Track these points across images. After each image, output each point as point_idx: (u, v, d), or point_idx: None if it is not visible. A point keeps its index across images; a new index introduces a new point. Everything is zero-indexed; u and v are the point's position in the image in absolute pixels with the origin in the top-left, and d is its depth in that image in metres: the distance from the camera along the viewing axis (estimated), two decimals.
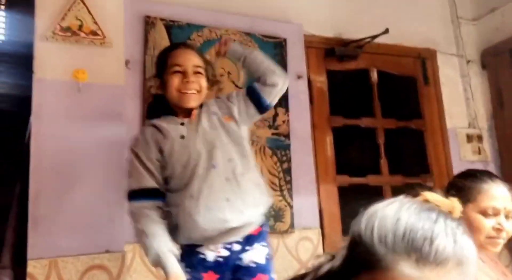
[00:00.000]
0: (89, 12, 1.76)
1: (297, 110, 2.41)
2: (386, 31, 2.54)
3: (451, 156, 2.74)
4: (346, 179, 2.53)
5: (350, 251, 0.58)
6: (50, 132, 1.67)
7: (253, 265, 1.37)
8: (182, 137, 1.39)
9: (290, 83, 2.40)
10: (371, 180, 2.59)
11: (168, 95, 1.42)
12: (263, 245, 1.41)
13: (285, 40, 2.46)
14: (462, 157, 2.78)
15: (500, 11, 2.86)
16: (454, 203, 0.62)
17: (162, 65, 1.45)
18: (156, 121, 1.44)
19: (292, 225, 2.24)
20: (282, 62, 2.41)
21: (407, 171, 2.66)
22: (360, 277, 0.55)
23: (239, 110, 1.48)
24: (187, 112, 1.44)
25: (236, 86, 2.28)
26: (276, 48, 2.43)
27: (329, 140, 2.54)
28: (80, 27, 1.74)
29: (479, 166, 2.79)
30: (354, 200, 2.55)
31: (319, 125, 2.53)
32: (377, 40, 2.61)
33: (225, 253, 1.35)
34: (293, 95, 2.41)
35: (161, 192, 1.38)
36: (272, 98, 1.50)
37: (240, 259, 1.37)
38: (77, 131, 1.71)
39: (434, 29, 2.91)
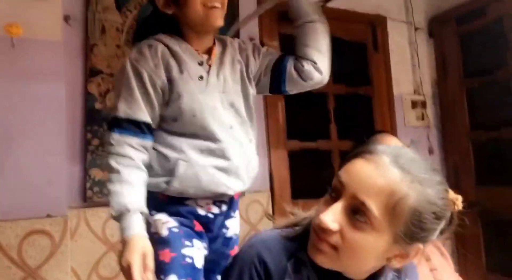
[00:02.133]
0: None
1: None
2: None
3: (396, 121, 2.85)
4: (296, 144, 2.57)
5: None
6: None
7: (235, 237, 1.26)
8: (201, 78, 1.14)
9: None
10: (320, 145, 2.64)
11: (189, 12, 1.13)
12: (238, 213, 1.29)
13: (237, 0, 2.39)
14: (406, 123, 2.89)
15: None
16: (458, 198, 0.80)
17: None
18: (167, 40, 1.15)
19: None
20: (234, 23, 2.35)
21: (355, 136, 2.74)
22: (355, 159, 0.75)
23: (256, 74, 1.28)
24: (204, 46, 1.19)
25: None
26: (228, 8, 2.36)
27: (280, 105, 2.55)
28: None
29: (422, 132, 2.93)
30: (304, 165, 2.61)
31: None
32: (330, 4, 2.58)
33: (216, 210, 1.20)
34: None
35: (153, 129, 1.14)
36: (293, 89, 1.31)
37: (227, 227, 1.24)
38: (11, 90, 1.59)
39: None
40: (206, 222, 1.18)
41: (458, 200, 0.79)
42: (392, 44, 2.91)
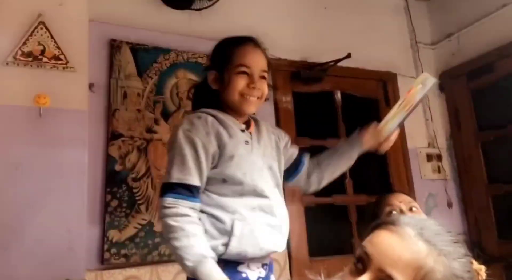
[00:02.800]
0: (51, 36, 1.74)
1: None
2: (349, 55, 2.64)
3: (412, 175, 2.84)
4: (312, 199, 2.57)
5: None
6: (6, 159, 1.63)
7: None
8: (246, 142, 1.25)
9: None
10: (336, 199, 2.64)
11: (228, 95, 1.26)
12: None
13: None
14: (422, 176, 2.88)
15: (456, 37, 3.02)
16: (482, 268, 0.80)
17: (224, 59, 1.27)
18: (214, 112, 1.26)
19: None
20: None
21: (371, 190, 2.73)
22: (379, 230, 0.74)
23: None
24: (241, 119, 1.31)
25: None
26: None
27: None
28: (43, 52, 1.72)
29: (439, 184, 2.91)
30: (320, 220, 2.60)
31: None
32: (340, 64, 2.69)
33: (263, 273, 1.23)
34: (260, 117, 2.43)
35: (199, 192, 1.20)
36: (294, 185, 1.51)
37: None
38: (37, 157, 1.67)
39: (394, 53, 3.03)
40: None
41: (482, 271, 0.79)
42: None
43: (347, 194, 2.67)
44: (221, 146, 1.21)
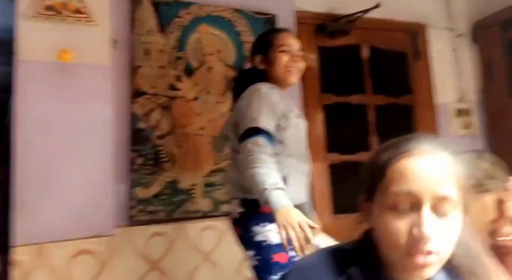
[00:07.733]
0: None
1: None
2: (377, 5, 2.50)
3: (440, 131, 2.76)
4: (337, 157, 2.54)
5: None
6: (35, 115, 1.63)
7: None
8: (298, 116, 1.53)
9: None
10: (361, 157, 2.60)
11: (274, 71, 1.55)
12: None
13: (275, 16, 2.41)
14: (452, 132, 2.80)
15: None
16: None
17: (268, 44, 1.57)
18: (276, 87, 1.52)
19: None
20: None
21: None
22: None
23: None
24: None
25: (227, 65, 2.24)
26: (267, 24, 2.38)
27: (320, 118, 2.53)
28: (65, 6, 1.68)
29: (468, 140, 2.83)
30: (344, 178, 2.58)
31: (310, 104, 2.51)
32: (368, 15, 2.57)
33: None
34: None
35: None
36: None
37: None
38: (63, 113, 1.67)
39: (425, 2, 2.87)
40: None
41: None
42: (434, 52, 2.83)
43: (372, 152, 2.61)
44: (285, 115, 1.45)
